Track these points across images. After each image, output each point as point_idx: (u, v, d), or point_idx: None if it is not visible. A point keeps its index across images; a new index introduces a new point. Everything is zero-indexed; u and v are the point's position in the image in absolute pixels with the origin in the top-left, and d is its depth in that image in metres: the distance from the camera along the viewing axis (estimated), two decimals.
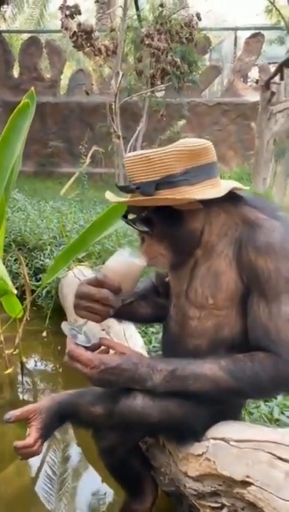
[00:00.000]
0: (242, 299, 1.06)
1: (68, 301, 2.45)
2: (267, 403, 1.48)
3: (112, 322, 1.98)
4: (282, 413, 1.42)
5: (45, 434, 1.20)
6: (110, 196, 1.15)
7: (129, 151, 6.80)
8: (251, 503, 0.89)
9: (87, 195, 6.51)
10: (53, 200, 5.56)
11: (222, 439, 1.00)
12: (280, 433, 0.89)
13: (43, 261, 3.23)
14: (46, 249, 3.14)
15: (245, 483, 0.86)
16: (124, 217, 1.12)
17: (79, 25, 4.73)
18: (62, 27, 4.89)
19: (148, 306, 1.37)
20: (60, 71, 10.58)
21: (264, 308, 1.00)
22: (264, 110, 7.30)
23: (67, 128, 10.33)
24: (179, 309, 1.19)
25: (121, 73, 4.73)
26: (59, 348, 2.68)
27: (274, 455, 0.82)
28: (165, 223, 1.06)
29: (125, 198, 1.10)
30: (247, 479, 0.85)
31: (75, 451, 1.82)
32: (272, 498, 0.78)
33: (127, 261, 1.08)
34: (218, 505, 1.02)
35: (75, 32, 4.70)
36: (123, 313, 1.30)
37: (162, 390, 1.06)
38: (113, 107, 4.76)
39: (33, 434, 1.17)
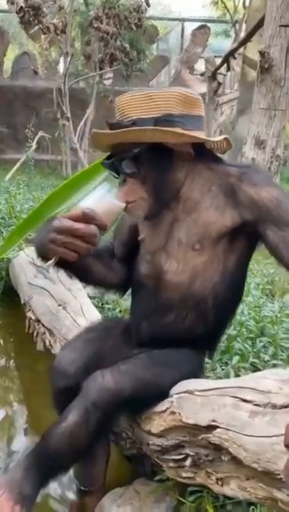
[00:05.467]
0: (224, 243, 1.12)
1: (21, 280, 2.41)
2: (222, 367, 1.55)
3: (69, 297, 1.99)
4: (238, 375, 1.49)
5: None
6: (97, 130, 1.10)
7: (78, 137, 6.70)
8: (216, 448, 0.93)
9: (34, 181, 6.36)
10: None
11: (186, 391, 1.03)
12: (241, 379, 0.94)
13: None
14: None
15: (210, 428, 0.90)
16: (106, 161, 1.09)
17: (26, 0, 4.56)
18: (8, 1, 4.70)
19: (102, 265, 1.32)
20: (3, 53, 10.22)
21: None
22: (211, 101, 7.48)
23: (12, 113, 9.98)
24: (153, 265, 1.20)
25: (70, 53, 4.65)
26: (10, 331, 2.63)
27: (238, 397, 0.86)
28: (154, 163, 1.06)
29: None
30: (212, 423, 0.89)
31: None
32: (237, 436, 0.83)
33: (109, 199, 1.03)
34: (182, 456, 1.05)
35: (22, 7, 4.53)
36: (77, 266, 1.13)
37: None
38: (62, 88, 4.67)
39: None
